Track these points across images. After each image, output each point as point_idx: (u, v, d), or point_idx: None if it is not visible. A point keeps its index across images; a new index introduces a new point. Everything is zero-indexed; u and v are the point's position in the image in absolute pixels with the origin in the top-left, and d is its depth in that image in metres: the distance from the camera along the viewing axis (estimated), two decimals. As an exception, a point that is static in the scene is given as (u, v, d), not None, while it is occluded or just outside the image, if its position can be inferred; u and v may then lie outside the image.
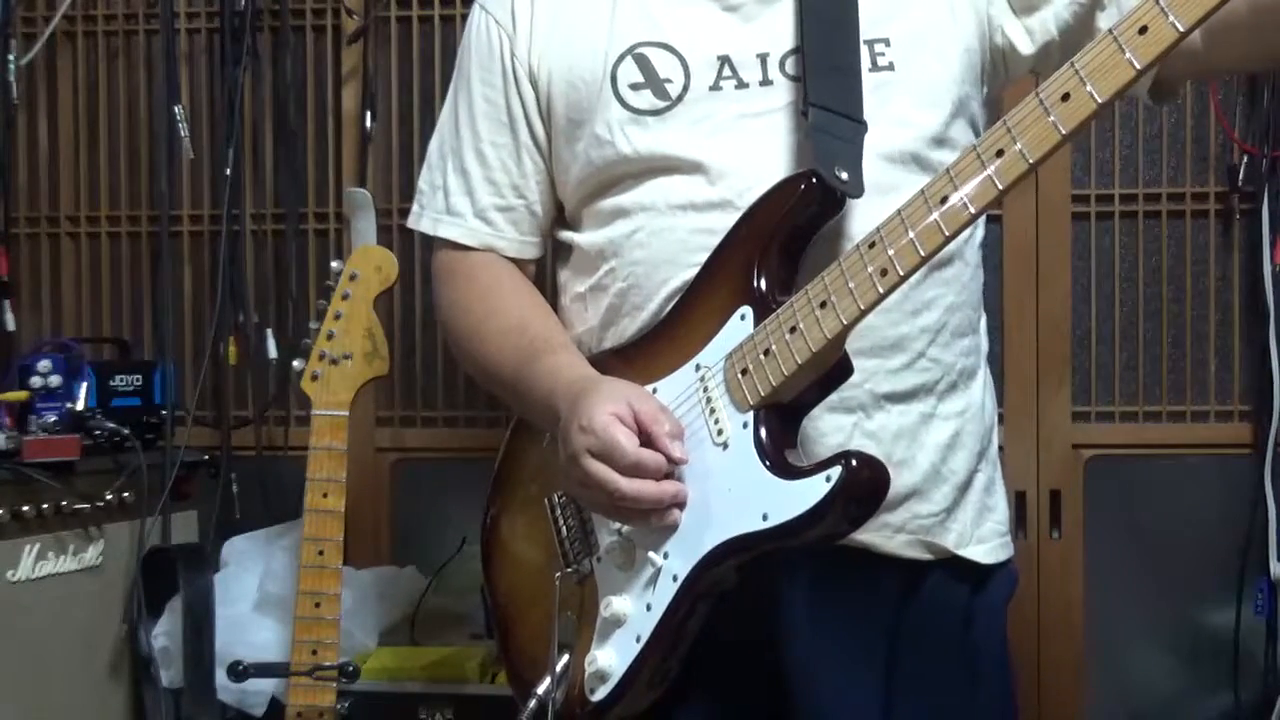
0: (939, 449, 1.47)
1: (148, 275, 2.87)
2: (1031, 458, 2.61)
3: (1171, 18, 1.13)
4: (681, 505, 1.34)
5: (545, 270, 1.69)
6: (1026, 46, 1.49)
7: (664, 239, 1.45)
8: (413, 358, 2.79)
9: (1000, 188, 1.20)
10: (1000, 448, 2.57)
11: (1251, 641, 2.55)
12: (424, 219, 1.62)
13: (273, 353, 2.75)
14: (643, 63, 1.46)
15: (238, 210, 2.74)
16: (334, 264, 2.25)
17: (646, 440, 1.33)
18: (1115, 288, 2.64)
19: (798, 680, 1.46)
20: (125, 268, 2.89)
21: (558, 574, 1.45)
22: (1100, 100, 1.16)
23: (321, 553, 2.17)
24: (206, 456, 2.67)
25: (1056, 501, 2.62)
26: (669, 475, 1.34)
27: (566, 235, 1.57)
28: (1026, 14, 1.48)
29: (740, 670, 1.47)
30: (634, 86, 1.46)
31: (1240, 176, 2.56)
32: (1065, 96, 1.17)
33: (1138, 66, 1.14)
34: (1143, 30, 1.13)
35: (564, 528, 1.48)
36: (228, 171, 2.68)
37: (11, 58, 2.76)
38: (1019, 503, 2.61)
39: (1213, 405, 2.61)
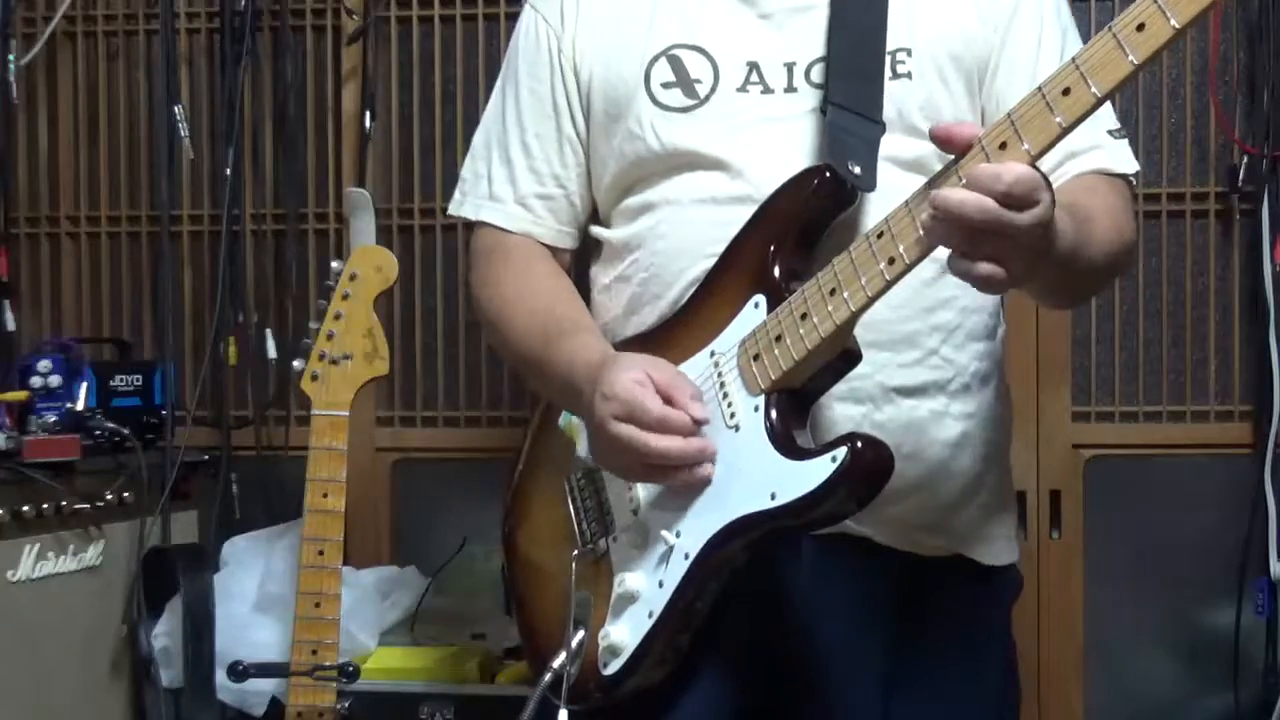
0: (947, 446, 1.49)
1: (148, 275, 2.88)
2: (1031, 458, 2.61)
3: (1171, 19, 1.15)
4: (711, 460, 1.36)
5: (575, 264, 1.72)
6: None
7: (684, 230, 1.50)
8: (413, 358, 2.79)
9: None
10: (1001, 448, 2.62)
11: (1251, 641, 2.55)
12: (466, 205, 1.67)
13: (273, 353, 2.75)
14: (675, 63, 1.52)
15: (238, 210, 2.74)
16: (334, 264, 2.25)
17: (667, 402, 1.36)
18: (1115, 288, 2.64)
19: (801, 671, 1.48)
20: (125, 268, 2.89)
21: (574, 552, 1.48)
22: (1100, 94, 1.18)
23: (321, 553, 2.18)
24: (206, 456, 2.67)
25: (1056, 501, 2.62)
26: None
27: (597, 231, 1.63)
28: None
29: (747, 656, 1.48)
30: (665, 85, 1.52)
31: (1240, 176, 2.56)
32: (1066, 91, 1.19)
33: (1135, 62, 1.16)
34: (1140, 28, 1.16)
35: (581, 508, 1.52)
36: (228, 171, 2.68)
37: (11, 58, 2.76)
38: (1019, 503, 2.61)
39: (1213, 405, 2.62)
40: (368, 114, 2.74)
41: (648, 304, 1.53)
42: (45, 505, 2.27)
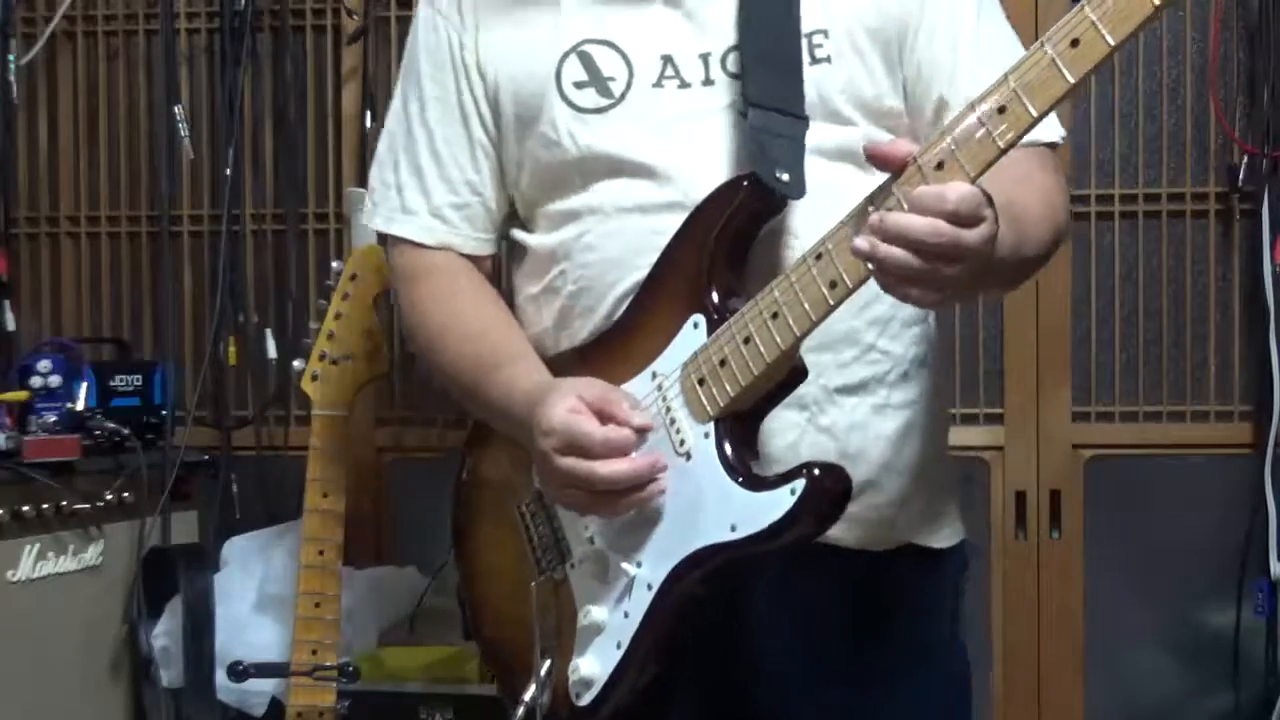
0: (891, 440, 1.47)
1: (148, 275, 2.88)
2: (1031, 458, 2.62)
3: (1104, 32, 1.13)
4: (662, 472, 1.34)
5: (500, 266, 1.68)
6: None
7: (613, 241, 1.45)
8: (413, 358, 2.79)
9: None
10: (999, 448, 2.62)
11: (1251, 642, 2.56)
12: (377, 217, 1.61)
13: (273, 353, 2.76)
14: (586, 60, 1.47)
15: (238, 210, 2.75)
16: (334, 264, 2.25)
17: (605, 419, 1.34)
18: (1115, 288, 2.64)
19: (758, 678, 1.47)
20: (125, 268, 2.89)
21: (533, 582, 1.46)
22: (1035, 114, 1.16)
23: (321, 553, 2.17)
24: (206, 456, 2.67)
25: (1056, 501, 2.62)
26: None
27: (519, 235, 1.57)
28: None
29: (712, 676, 1.47)
30: (578, 85, 1.46)
31: (1240, 176, 2.56)
32: (1002, 109, 1.17)
33: (1071, 80, 1.15)
34: (1074, 43, 1.14)
35: (534, 535, 1.49)
36: (228, 171, 2.68)
37: (11, 58, 2.76)
38: (1019, 503, 2.62)
39: (1213, 405, 2.62)
40: (368, 114, 2.73)
41: (579, 317, 1.48)
42: (45, 505, 2.27)
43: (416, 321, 1.58)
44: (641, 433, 1.34)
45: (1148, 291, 2.64)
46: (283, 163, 2.79)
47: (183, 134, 2.71)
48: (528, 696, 1.38)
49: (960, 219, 1.17)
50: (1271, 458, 2.52)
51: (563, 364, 1.47)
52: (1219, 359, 2.62)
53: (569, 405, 1.33)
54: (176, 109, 2.71)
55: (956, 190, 1.17)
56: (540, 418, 1.35)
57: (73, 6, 2.82)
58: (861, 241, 1.20)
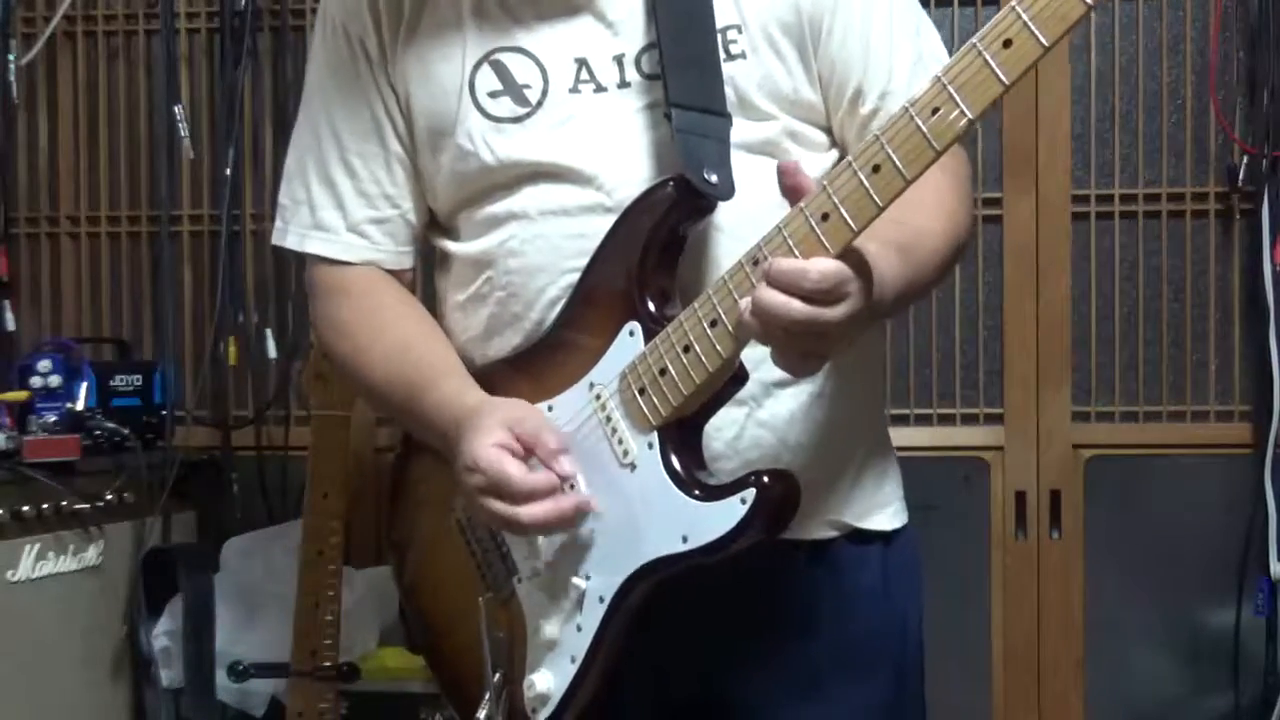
0: (831, 426, 1.45)
1: (148, 275, 2.88)
2: (1031, 458, 2.62)
3: (1037, 33, 1.11)
4: (586, 511, 1.33)
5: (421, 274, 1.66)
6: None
7: (537, 246, 1.43)
8: (413, 358, 2.79)
9: (880, 204, 1.19)
10: (999, 448, 2.62)
11: (1251, 641, 2.56)
12: (289, 235, 1.56)
13: (273, 353, 2.75)
14: (500, 69, 1.44)
15: (238, 210, 2.75)
16: (334, 264, 2.25)
17: (530, 451, 1.33)
18: (1115, 288, 2.64)
19: (713, 680, 1.46)
20: (125, 268, 2.89)
21: (481, 597, 1.44)
22: (971, 116, 1.15)
23: (321, 553, 2.18)
24: (207, 456, 2.67)
25: (1056, 501, 2.62)
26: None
27: (443, 243, 1.54)
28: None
29: (667, 675, 1.46)
30: (493, 94, 1.44)
31: (1240, 176, 2.56)
32: (935, 110, 1.15)
33: (1005, 81, 1.13)
34: (1007, 44, 1.12)
35: (476, 549, 1.48)
36: (228, 171, 2.68)
37: (11, 58, 2.76)
38: (1019, 503, 2.62)
39: (1213, 405, 2.62)
40: (368, 114, 2.74)
41: (508, 325, 1.45)
42: (45, 505, 2.27)
43: (338, 339, 1.54)
44: (566, 479, 1.32)
45: (1148, 291, 2.64)
46: (282, 163, 2.78)
47: (183, 134, 2.71)
48: (482, 714, 1.37)
49: (819, 297, 1.16)
50: (1271, 458, 2.52)
51: (494, 375, 1.45)
52: (1219, 359, 2.62)
53: (496, 440, 1.32)
54: (176, 109, 2.71)
55: (818, 267, 1.16)
56: (464, 451, 1.33)
57: (73, 6, 2.82)
58: (747, 315, 1.20)
